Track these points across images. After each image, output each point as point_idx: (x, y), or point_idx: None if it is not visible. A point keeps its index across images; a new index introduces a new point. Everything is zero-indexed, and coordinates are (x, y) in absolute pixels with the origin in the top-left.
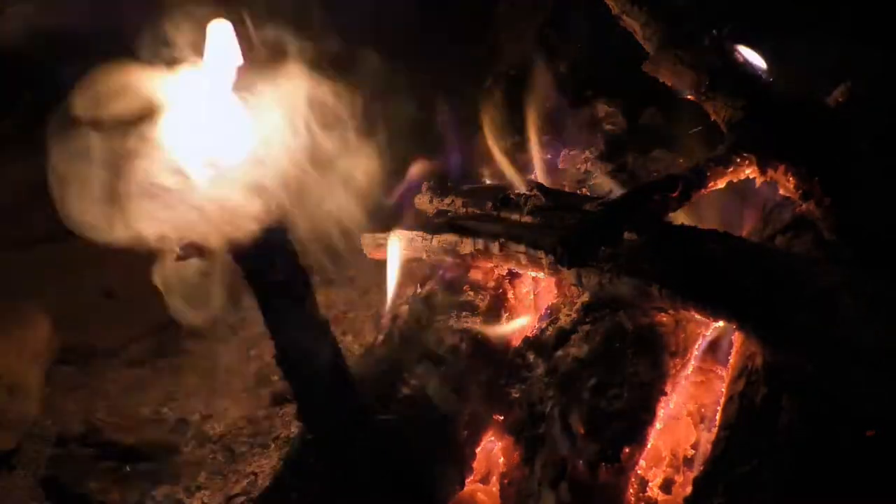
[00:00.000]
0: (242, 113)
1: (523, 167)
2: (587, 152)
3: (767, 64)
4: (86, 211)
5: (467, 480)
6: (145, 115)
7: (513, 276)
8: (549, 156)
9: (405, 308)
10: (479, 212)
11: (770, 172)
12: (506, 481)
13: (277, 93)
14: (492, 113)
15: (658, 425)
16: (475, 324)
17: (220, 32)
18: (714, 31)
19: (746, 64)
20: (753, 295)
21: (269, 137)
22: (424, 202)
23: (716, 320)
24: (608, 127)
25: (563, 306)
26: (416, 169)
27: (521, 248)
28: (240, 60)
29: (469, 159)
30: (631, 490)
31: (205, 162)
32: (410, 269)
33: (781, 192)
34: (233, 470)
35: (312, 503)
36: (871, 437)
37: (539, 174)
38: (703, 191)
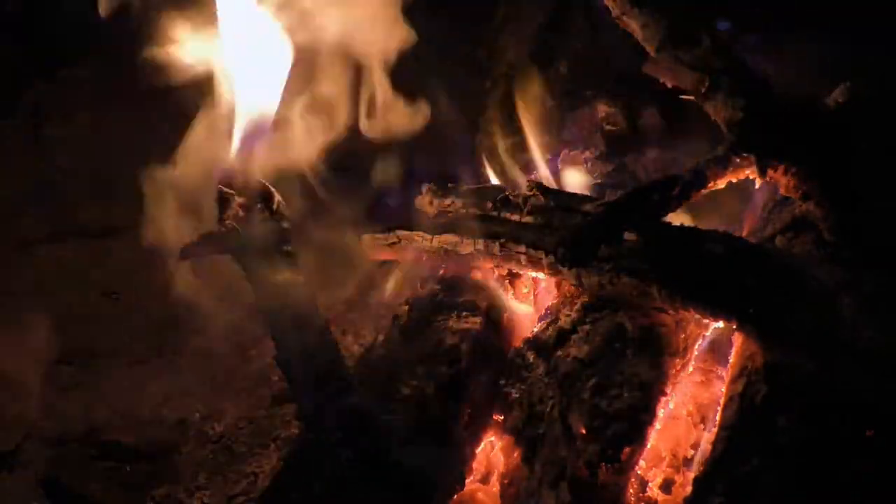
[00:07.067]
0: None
1: (523, 167)
2: (587, 152)
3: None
4: None
5: (467, 480)
6: None
7: (513, 276)
8: (549, 156)
9: (405, 308)
10: (479, 212)
11: (770, 172)
12: (506, 481)
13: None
14: (492, 113)
15: (658, 425)
16: (475, 324)
17: None
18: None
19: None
20: (753, 295)
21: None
22: (425, 203)
23: (716, 320)
24: (608, 127)
25: (563, 306)
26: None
27: (521, 248)
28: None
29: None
30: (631, 490)
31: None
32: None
33: (781, 192)
34: (233, 470)
35: (312, 503)
36: (871, 437)
37: (539, 174)
38: (703, 191)
